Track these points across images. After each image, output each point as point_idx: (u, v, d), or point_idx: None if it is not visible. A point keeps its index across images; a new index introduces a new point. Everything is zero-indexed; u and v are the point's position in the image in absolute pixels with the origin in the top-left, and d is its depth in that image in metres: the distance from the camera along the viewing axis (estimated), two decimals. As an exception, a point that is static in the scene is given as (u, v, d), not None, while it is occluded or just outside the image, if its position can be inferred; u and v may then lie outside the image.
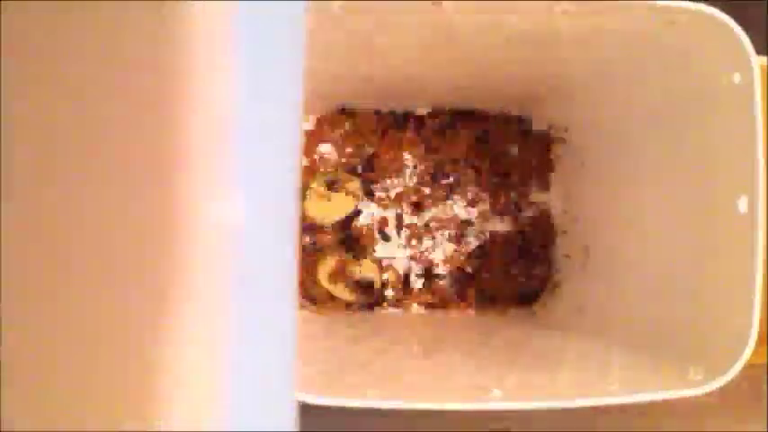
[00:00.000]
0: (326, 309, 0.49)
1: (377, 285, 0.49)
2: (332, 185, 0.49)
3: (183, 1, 0.16)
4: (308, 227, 0.50)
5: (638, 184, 0.42)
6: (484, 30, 0.36)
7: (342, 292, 0.49)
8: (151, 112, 0.17)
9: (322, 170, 0.50)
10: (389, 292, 0.50)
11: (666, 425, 0.43)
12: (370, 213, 0.50)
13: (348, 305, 0.49)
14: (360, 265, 0.49)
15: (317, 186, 0.49)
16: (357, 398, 0.31)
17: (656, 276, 0.40)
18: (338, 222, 0.50)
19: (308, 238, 0.50)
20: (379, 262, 0.50)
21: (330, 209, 0.49)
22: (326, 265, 0.49)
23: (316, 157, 0.50)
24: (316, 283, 0.49)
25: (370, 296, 0.49)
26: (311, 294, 0.49)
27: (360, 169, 0.50)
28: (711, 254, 0.35)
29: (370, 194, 0.50)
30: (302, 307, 0.49)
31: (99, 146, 0.17)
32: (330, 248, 0.50)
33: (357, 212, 0.50)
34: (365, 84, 0.45)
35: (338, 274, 0.49)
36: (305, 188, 0.49)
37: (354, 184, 0.50)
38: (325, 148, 0.50)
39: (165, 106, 0.17)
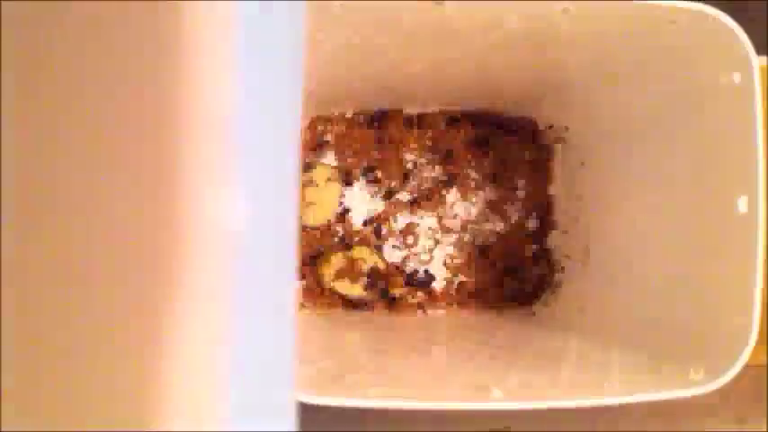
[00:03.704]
0: (327, 308, 0.49)
1: (380, 267, 0.49)
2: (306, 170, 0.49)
3: (183, 1, 0.16)
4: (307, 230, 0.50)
5: (638, 183, 0.42)
6: (484, 30, 0.36)
7: (350, 288, 0.49)
8: (151, 112, 0.17)
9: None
10: (399, 283, 0.50)
11: (666, 425, 0.43)
12: (369, 213, 0.50)
13: (348, 305, 0.49)
14: (365, 260, 0.49)
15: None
16: (357, 398, 0.31)
17: (656, 276, 0.40)
18: (336, 220, 0.50)
19: (307, 239, 0.50)
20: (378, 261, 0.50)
21: (317, 210, 0.49)
22: (332, 265, 0.49)
23: (314, 157, 0.50)
24: (317, 283, 0.49)
25: (377, 291, 0.49)
26: (312, 294, 0.49)
27: (359, 169, 0.50)
28: (711, 254, 0.35)
29: (349, 180, 0.50)
30: (302, 307, 0.49)
31: (99, 146, 0.17)
32: (332, 248, 0.50)
33: (345, 209, 0.50)
34: (365, 84, 0.45)
35: (346, 271, 0.49)
36: None
37: (326, 170, 0.49)
38: (324, 148, 0.50)
39: (165, 106, 0.17)
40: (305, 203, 0.49)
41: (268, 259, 0.18)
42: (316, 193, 0.49)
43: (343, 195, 0.50)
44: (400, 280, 0.50)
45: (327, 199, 0.49)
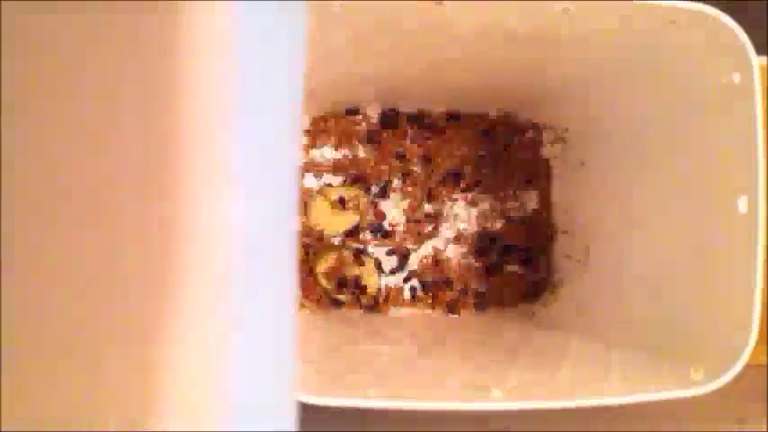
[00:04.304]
0: (326, 308, 0.49)
1: (371, 289, 0.49)
2: (342, 202, 0.49)
3: (183, 1, 0.16)
4: (311, 233, 0.50)
5: (638, 183, 0.42)
6: (484, 30, 0.36)
7: (339, 292, 0.49)
8: (151, 111, 0.17)
9: (337, 185, 0.50)
10: (387, 289, 0.50)
11: (666, 425, 0.43)
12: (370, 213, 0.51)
13: (348, 305, 0.49)
14: (359, 267, 0.49)
15: (329, 197, 0.49)
16: (357, 398, 0.31)
17: (656, 276, 0.40)
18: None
19: (308, 240, 0.50)
20: (379, 262, 0.50)
21: (337, 221, 0.49)
22: (324, 264, 0.49)
23: (314, 157, 0.50)
24: (316, 282, 0.49)
25: (364, 297, 0.49)
26: (311, 294, 0.49)
27: (359, 169, 0.50)
28: (711, 254, 0.35)
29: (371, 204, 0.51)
30: (302, 307, 0.49)
31: (100, 146, 0.17)
32: (329, 247, 0.50)
33: (357, 226, 0.50)
34: (365, 84, 0.45)
35: (335, 274, 0.49)
36: (317, 196, 0.49)
37: (364, 200, 0.50)
38: (325, 149, 0.50)
39: (165, 106, 0.17)
40: (330, 208, 0.49)
41: (268, 259, 0.18)
42: (336, 213, 0.49)
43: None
44: (390, 299, 0.50)
45: (349, 218, 0.50)
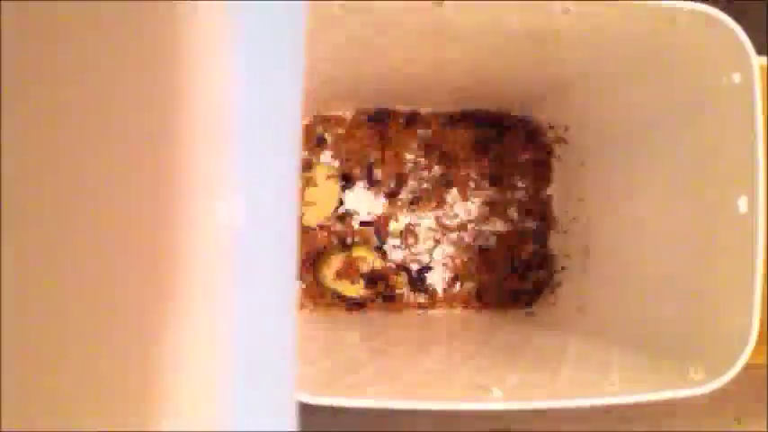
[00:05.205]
0: (327, 308, 0.49)
1: (378, 269, 0.49)
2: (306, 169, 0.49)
3: (183, 1, 0.16)
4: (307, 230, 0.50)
5: (638, 183, 0.42)
6: (484, 30, 0.36)
7: (350, 288, 0.49)
8: (151, 112, 0.17)
9: None
10: (400, 283, 0.50)
11: (666, 425, 0.43)
12: (370, 213, 0.50)
13: (348, 305, 0.49)
14: (365, 260, 0.49)
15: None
16: (357, 398, 0.31)
17: (656, 276, 0.40)
18: (336, 220, 0.50)
19: (309, 239, 0.50)
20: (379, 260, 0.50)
21: (317, 209, 0.49)
22: (332, 265, 0.49)
23: (314, 157, 0.50)
24: (317, 283, 0.49)
25: (379, 289, 0.49)
26: (312, 294, 0.49)
27: (359, 169, 0.50)
28: (711, 254, 0.35)
29: (348, 180, 0.50)
30: (302, 307, 0.49)
31: (99, 146, 0.17)
32: (333, 248, 0.50)
33: (346, 210, 0.50)
34: (365, 84, 0.45)
35: (346, 272, 0.49)
36: None
37: (324, 169, 0.49)
38: (324, 148, 0.50)
39: (165, 106, 0.17)
40: (304, 203, 0.49)
41: (268, 259, 0.18)
42: (315, 192, 0.49)
43: (342, 194, 0.50)
44: (400, 279, 0.50)
45: (326, 198, 0.49)
